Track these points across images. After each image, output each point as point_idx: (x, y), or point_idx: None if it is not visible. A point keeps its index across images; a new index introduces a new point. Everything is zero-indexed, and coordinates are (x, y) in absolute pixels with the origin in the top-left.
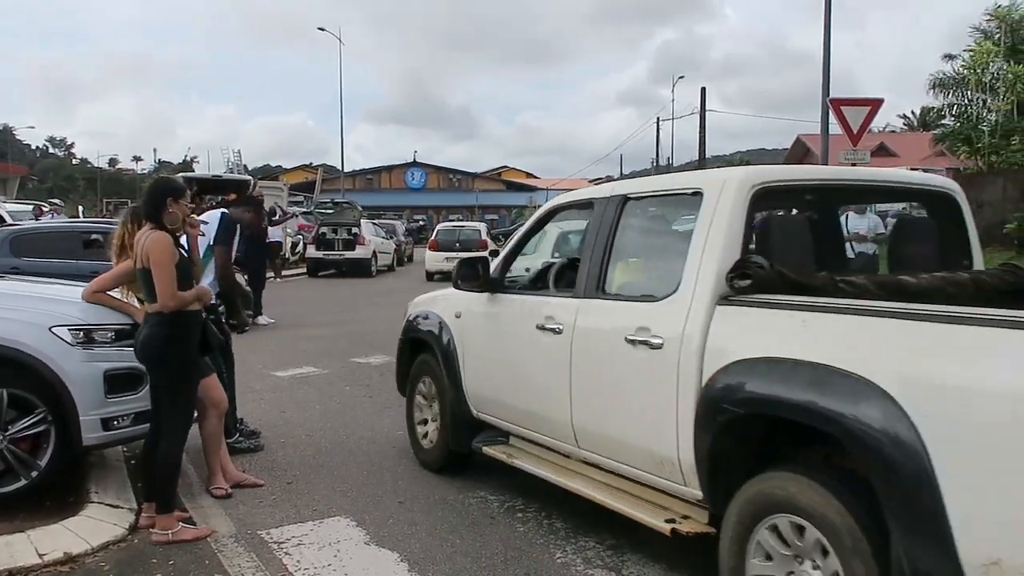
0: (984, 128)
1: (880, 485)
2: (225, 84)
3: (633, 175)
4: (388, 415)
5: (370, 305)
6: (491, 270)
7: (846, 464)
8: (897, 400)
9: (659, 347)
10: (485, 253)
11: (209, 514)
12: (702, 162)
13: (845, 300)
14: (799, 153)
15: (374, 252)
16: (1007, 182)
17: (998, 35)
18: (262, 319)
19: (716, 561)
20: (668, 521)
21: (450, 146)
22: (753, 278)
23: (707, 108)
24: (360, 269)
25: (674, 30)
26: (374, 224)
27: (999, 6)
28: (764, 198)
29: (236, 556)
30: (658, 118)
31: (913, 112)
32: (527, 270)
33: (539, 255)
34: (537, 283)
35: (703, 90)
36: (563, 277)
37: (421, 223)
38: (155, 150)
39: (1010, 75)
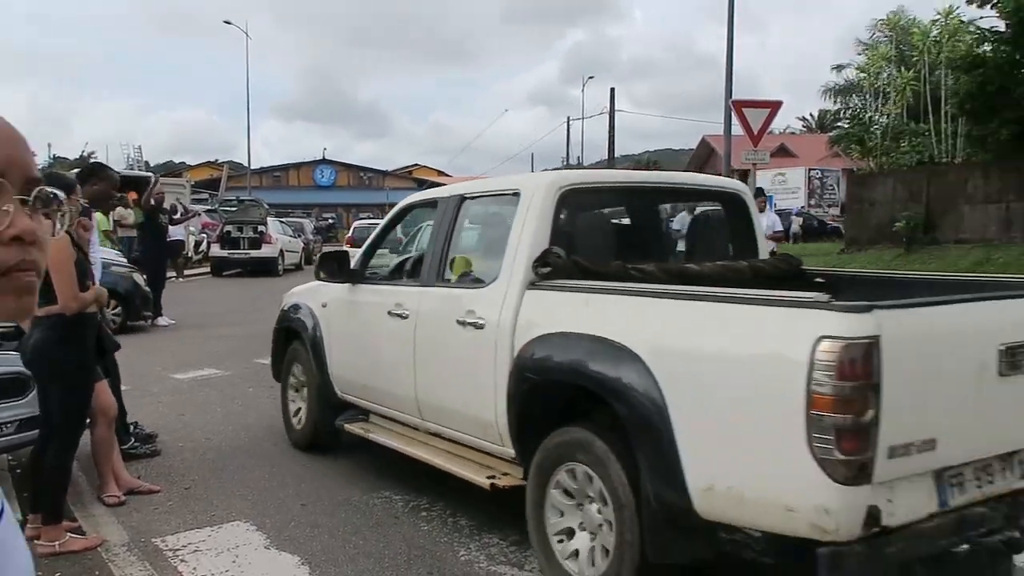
0: (876, 131)
1: (633, 433)
2: (125, 77)
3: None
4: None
5: (276, 304)
6: (352, 263)
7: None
8: (646, 363)
9: (482, 327)
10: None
11: (101, 523)
12: (611, 161)
13: (617, 283)
14: (704, 153)
15: (281, 251)
16: (896, 182)
17: (884, 44)
18: (162, 320)
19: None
20: (489, 477)
21: (360, 143)
22: (552, 266)
23: (616, 109)
24: (266, 268)
25: (584, 31)
26: (281, 222)
27: (877, 20)
28: (571, 198)
29: (128, 565)
30: (568, 118)
31: (812, 114)
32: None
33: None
34: (394, 274)
35: (612, 91)
36: (416, 268)
37: (330, 221)
38: (49, 145)
39: (900, 81)
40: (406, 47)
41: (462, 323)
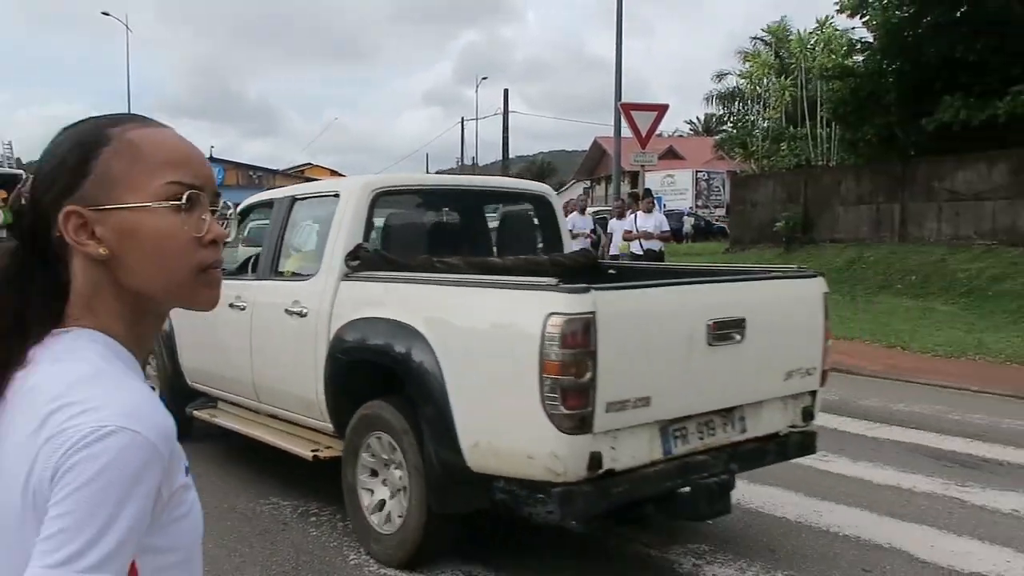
0: (757, 135)
1: (418, 400)
2: None
3: (439, 174)
4: None
5: None
6: None
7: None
8: (428, 340)
9: (305, 315)
10: None
11: None
12: (505, 162)
13: (408, 273)
14: (596, 154)
15: None
16: (776, 184)
17: (764, 53)
18: None
19: (511, 557)
20: (313, 451)
21: (250, 142)
22: (361, 260)
23: (510, 110)
24: None
25: (478, 32)
26: None
27: (760, 31)
28: (384, 199)
29: None
30: (462, 118)
31: (698, 118)
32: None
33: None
34: (239, 269)
35: (505, 92)
36: (256, 263)
37: None
38: None
39: (779, 87)
40: (298, 44)
41: (289, 312)
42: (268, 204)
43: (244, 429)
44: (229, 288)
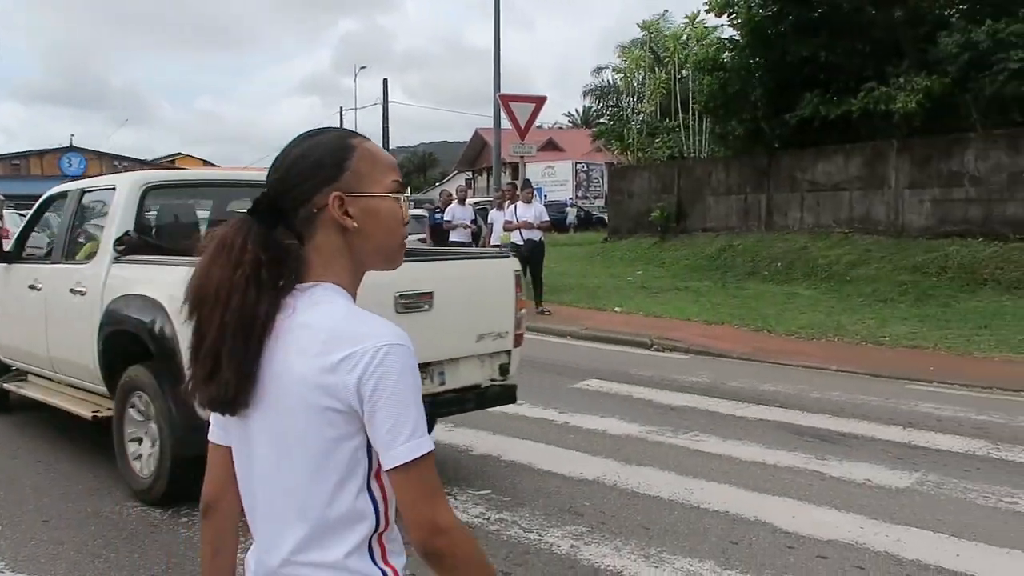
0: (633, 127)
1: (159, 361)
2: None
3: None
4: (33, 430)
5: None
6: (7, 246)
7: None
8: (168, 312)
9: (84, 294)
10: None
11: None
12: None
13: (155, 256)
14: (478, 145)
15: None
16: (651, 175)
17: (638, 48)
18: None
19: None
20: (94, 412)
21: (118, 131)
22: (126, 245)
23: (391, 100)
24: None
25: (356, 21)
26: (21, 215)
27: (639, 24)
28: (155, 192)
29: None
30: (341, 108)
31: (577, 111)
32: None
33: None
34: (44, 255)
35: (385, 82)
36: (52, 249)
37: None
38: None
39: (653, 82)
40: (167, 29)
41: (73, 291)
42: (63, 195)
43: (46, 398)
44: (30, 272)
